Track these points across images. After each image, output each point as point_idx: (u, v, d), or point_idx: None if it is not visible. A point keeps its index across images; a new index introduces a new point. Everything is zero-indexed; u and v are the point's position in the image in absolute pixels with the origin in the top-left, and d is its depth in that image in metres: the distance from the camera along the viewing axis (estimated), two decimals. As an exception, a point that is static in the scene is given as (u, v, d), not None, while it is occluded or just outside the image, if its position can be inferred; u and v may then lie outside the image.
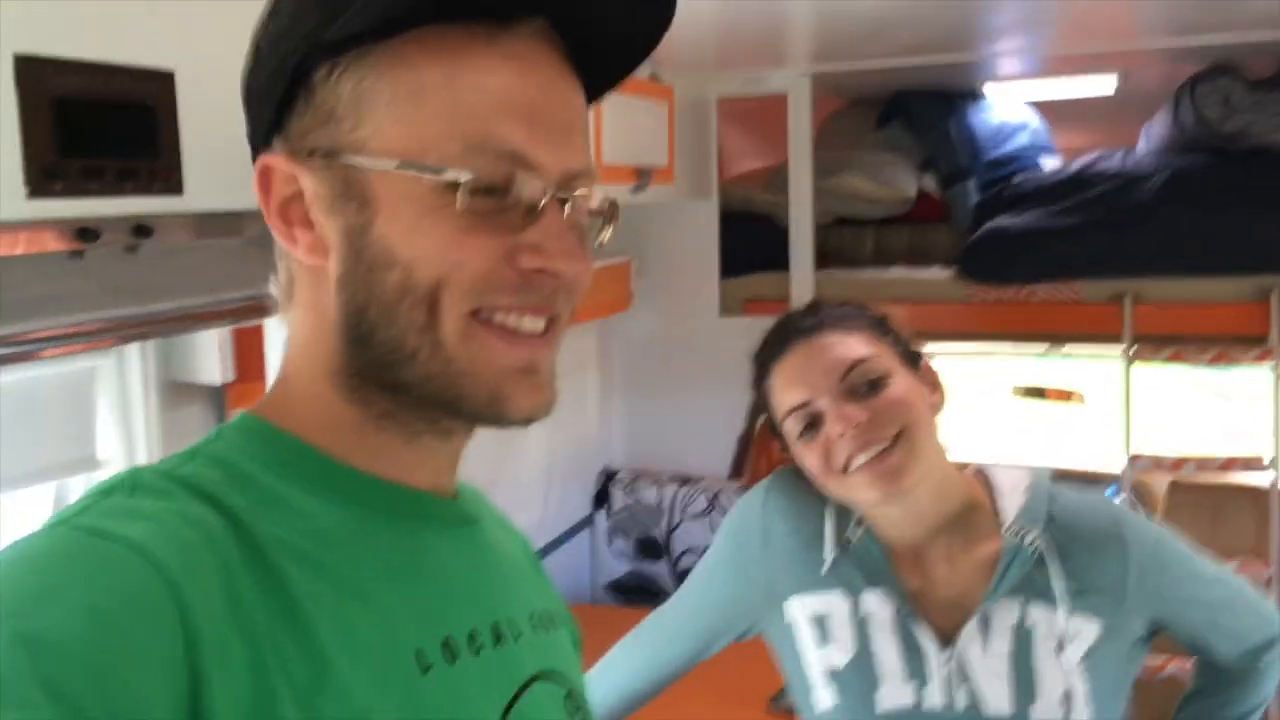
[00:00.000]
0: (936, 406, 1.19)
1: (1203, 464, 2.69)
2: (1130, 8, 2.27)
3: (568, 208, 0.63)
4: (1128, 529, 1.18)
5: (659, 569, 3.08)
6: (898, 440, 1.11)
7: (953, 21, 2.30)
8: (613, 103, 2.37)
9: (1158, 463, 2.71)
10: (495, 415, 0.63)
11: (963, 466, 1.24)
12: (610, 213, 0.69)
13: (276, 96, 0.62)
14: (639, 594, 3.09)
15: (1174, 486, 2.99)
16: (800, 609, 1.21)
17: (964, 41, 2.57)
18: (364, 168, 0.60)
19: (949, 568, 1.18)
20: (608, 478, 3.18)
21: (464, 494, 0.73)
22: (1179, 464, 2.72)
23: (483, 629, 0.65)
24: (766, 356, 1.20)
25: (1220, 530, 2.80)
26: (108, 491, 0.57)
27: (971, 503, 1.20)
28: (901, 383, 1.15)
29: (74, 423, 1.38)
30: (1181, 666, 2.37)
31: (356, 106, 0.60)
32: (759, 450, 3.25)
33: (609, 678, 1.30)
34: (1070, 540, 1.16)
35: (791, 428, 1.17)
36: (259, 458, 0.62)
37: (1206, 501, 2.89)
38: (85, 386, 1.38)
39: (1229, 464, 2.67)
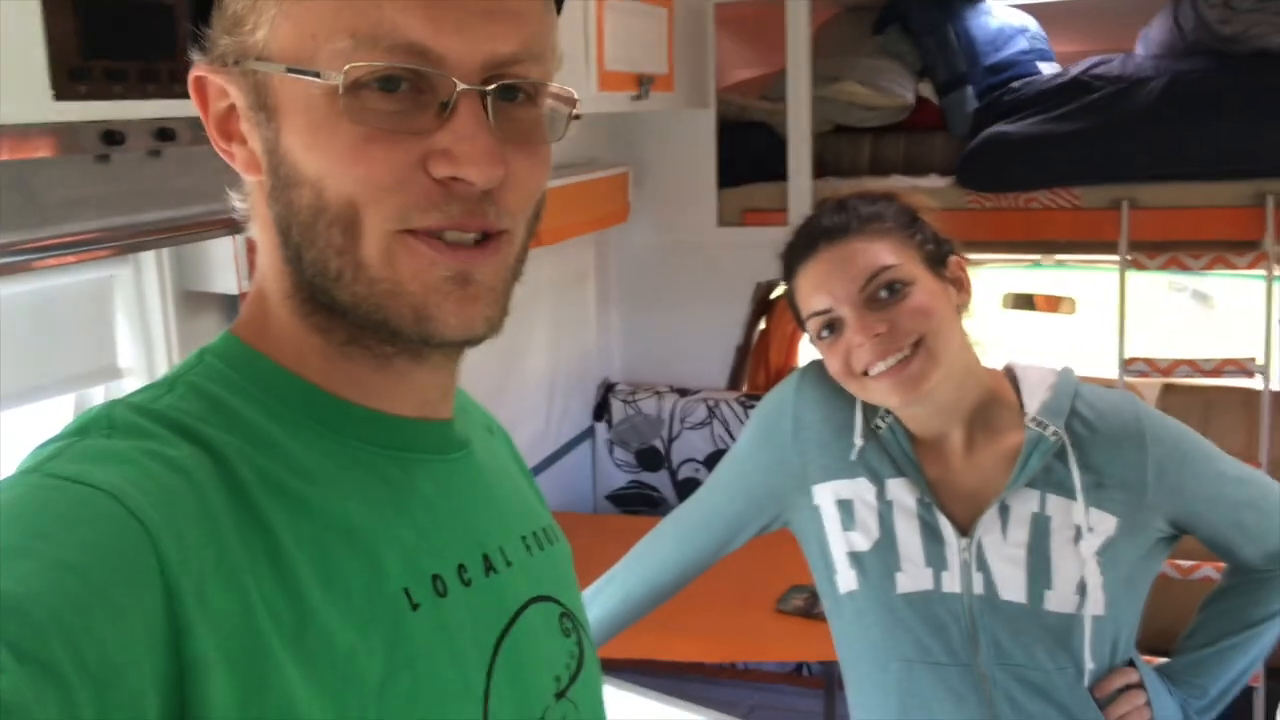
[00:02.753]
0: (962, 306, 1.21)
1: (1195, 368, 2.73)
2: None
3: (490, 102, 0.55)
4: (1149, 425, 1.20)
5: (659, 479, 3.12)
6: (917, 348, 1.14)
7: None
8: (613, 8, 2.35)
9: (1151, 366, 2.75)
10: (424, 335, 0.57)
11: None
12: (569, 102, 0.61)
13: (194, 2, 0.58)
14: (640, 503, 3.14)
15: (1166, 390, 3.04)
16: (828, 494, 1.25)
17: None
18: (264, 73, 0.56)
19: (970, 458, 1.21)
20: (607, 390, 3.20)
21: (457, 410, 0.69)
22: (1172, 368, 2.75)
23: (472, 562, 0.64)
24: (793, 256, 1.21)
25: (1210, 432, 2.83)
26: (82, 430, 0.54)
27: (995, 396, 1.23)
28: (924, 289, 1.16)
29: (94, 333, 1.38)
30: (1216, 568, 2.42)
31: (255, 5, 0.56)
32: (756, 361, 3.27)
33: (635, 571, 1.34)
34: (1091, 434, 1.19)
35: (814, 329, 1.20)
36: (241, 387, 0.59)
37: (1197, 404, 2.95)
38: (104, 295, 1.37)
39: (1220, 367, 2.71)
